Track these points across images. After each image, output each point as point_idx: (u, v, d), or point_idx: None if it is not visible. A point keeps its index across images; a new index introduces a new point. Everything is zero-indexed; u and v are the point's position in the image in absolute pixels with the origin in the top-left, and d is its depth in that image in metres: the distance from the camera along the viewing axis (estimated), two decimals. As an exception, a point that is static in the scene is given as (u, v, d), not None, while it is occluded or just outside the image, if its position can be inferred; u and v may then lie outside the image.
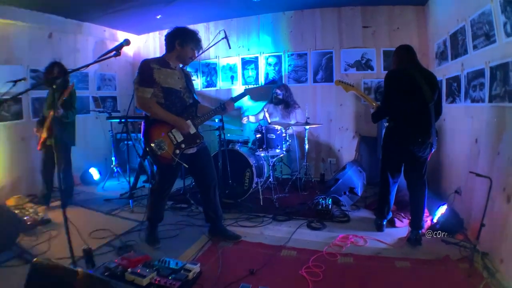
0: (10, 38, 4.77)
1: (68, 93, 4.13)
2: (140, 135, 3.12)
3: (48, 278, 1.74)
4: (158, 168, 3.17)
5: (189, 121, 3.03)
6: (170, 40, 3.02)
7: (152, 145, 2.92)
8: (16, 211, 3.67)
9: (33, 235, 3.40)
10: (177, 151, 2.98)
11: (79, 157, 5.58)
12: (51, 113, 4.01)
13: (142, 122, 3.08)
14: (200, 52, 3.20)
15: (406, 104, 3.06)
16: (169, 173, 3.14)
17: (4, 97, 3.76)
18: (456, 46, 3.67)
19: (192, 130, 3.05)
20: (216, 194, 3.34)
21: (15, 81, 4.05)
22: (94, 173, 5.74)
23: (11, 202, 4.36)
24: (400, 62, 3.26)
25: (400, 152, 3.20)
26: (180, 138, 2.99)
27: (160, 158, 2.95)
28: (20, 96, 4.76)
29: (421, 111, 3.04)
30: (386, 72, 5.17)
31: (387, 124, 3.36)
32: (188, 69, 6.44)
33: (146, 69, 2.88)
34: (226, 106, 3.16)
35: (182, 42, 2.97)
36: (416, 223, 3.18)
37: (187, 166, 3.02)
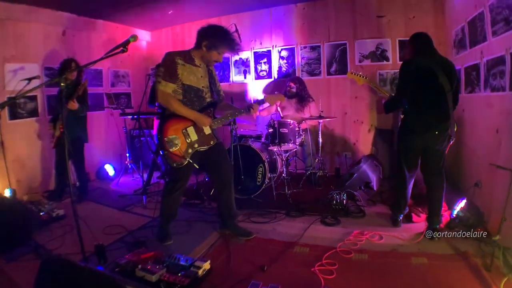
0: (24, 37, 4.83)
1: (83, 89, 4.19)
2: (153, 131, 3.10)
3: (57, 274, 1.74)
4: (170, 166, 3.04)
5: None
6: (199, 38, 2.92)
7: (166, 139, 2.85)
8: (32, 207, 3.73)
9: (48, 231, 3.46)
10: (190, 150, 2.93)
11: (95, 154, 5.68)
12: (68, 105, 4.06)
13: (154, 118, 3.07)
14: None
15: (422, 94, 2.94)
16: (182, 172, 3.03)
17: (17, 95, 3.81)
18: (474, 33, 3.52)
19: (207, 131, 3.01)
20: (231, 192, 3.27)
21: (30, 79, 4.13)
22: (109, 169, 5.80)
23: (27, 198, 4.43)
24: (415, 51, 3.11)
25: (416, 145, 3.10)
26: (194, 137, 2.94)
27: (171, 155, 2.87)
28: (35, 94, 4.86)
29: (438, 102, 2.92)
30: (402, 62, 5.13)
31: (402, 116, 3.25)
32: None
33: (171, 63, 2.81)
34: (250, 109, 3.07)
35: (209, 45, 2.87)
36: (433, 219, 3.09)
37: (198, 167, 2.95)
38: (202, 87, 2.99)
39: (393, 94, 3.30)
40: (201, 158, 3.02)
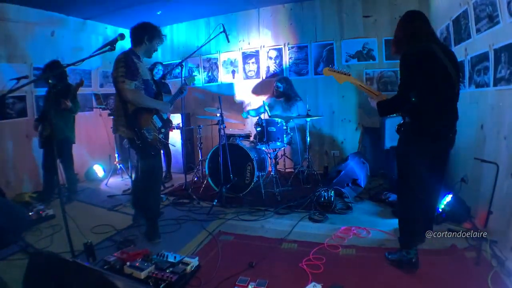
0: (13, 37, 4.78)
1: (79, 88, 4.30)
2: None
3: (45, 269, 1.75)
4: (148, 158, 3.16)
5: None
6: (139, 35, 3.12)
7: (144, 131, 3.02)
8: (22, 207, 3.69)
9: (37, 230, 3.46)
10: (161, 136, 3.22)
11: (84, 154, 5.64)
12: (62, 105, 4.11)
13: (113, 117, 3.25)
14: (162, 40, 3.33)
15: (435, 91, 2.38)
16: (159, 158, 3.33)
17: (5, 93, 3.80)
18: (459, 31, 3.59)
19: (165, 116, 3.32)
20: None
21: (18, 79, 4.11)
22: (98, 170, 5.77)
23: (16, 198, 4.38)
24: (415, 35, 2.45)
25: (430, 154, 2.54)
26: (159, 123, 3.20)
27: (150, 143, 3.08)
28: (24, 94, 4.83)
29: (449, 98, 2.46)
30: (388, 61, 5.20)
31: (406, 120, 2.58)
32: (190, 64, 6.50)
33: (132, 62, 2.96)
34: (182, 89, 3.59)
35: (150, 37, 3.13)
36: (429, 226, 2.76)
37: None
38: (150, 78, 3.26)
39: (383, 94, 2.73)
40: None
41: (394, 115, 3.54)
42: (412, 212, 2.57)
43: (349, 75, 2.91)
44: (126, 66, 2.91)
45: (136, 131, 2.98)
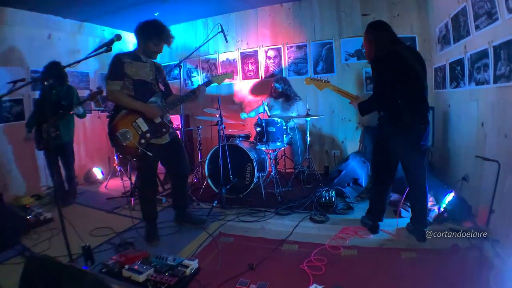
0: (9, 40, 4.77)
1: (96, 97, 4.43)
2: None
3: (41, 273, 1.73)
4: (137, 162, 3.17)
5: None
6: (136, 35, 3.12)
7: (118, 134, 2.96)
8: (19, 210, 3.69)
9: (35, 234, 3.43)
10: (142, 141, 3.02)
11: (83, 157, 5.62)
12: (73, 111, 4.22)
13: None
14: (165, 42, 3.17)
15: (405, 88, 2.74)
16: (144, 162, 3.12)
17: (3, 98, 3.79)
18: (458, 28, 3.56)
19: (157, 120, 3.10)
20: (186, 184, 3.55)
21: (15, 82, 4.09)
22: (97, 172, 5.75)
23: (14, 201, 4.37)
24: (381, 43, 2.86)
25: (400, 144, 2.88)
26: (145, 127, 3.03)
27: (125, 149, 2.99)
28: (21, 98, 4.82)
29: (419, 94, 2.81)
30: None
31: (381, 114, 2.99)
32: (188, 65, 6.48)
33: (117, 64, 2.96)
34: (196, 91, 3.24)
35: (144, 38, 3.07)
36: (420, 219, 2.98)
37: (151, 155, 3.03)
38: (151, 80, 3.16)
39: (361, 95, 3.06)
40: (159, 152, 3.14)
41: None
42: (373, 188, 3.23)
43: (328, 82, 3.35)
44: (110, 67, 2.97)
45: (108, 134, 3.03)
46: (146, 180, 3.23)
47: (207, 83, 3.41)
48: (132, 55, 3.08)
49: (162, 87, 3.34)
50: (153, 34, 3.05)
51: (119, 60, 2.97)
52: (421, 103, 2.84)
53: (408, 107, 2.76)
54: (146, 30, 3.05)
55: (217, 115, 4.27)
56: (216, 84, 3.56)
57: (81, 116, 4.42)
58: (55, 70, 4.07)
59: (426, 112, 2.87)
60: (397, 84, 2.74)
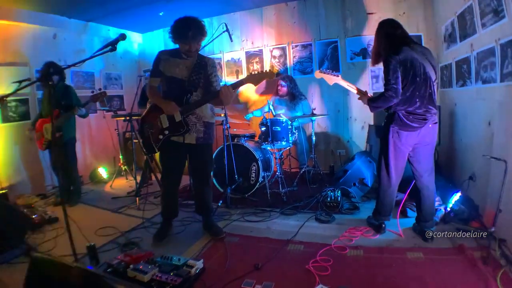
0: (15, 40, 4.81)
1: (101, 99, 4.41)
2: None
3: (46, 273, 1.73)
4: (161, 160, 3.34)
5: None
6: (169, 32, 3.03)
7: (145, 125, 3.13)
8: (25, 210, 3.71)
9: (40, 233, 3.44)
10: (160, 136, 3.07)
11: (88, 156, 5.63)
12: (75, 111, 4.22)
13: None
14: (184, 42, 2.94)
15: (416, 85, 2.74)
16: (170, 164, 3.17)
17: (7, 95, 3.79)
18: (464, 26, 3.53)
19: (177, 118, 2.99)
20: (201, 193, 3.35)
21: (20, 82, 4.12)
22: (102, 172, 5.76)
23: (20, 201, 4.38)
24: (393, 42, 2.84)
25: (410, 142, 2.88)
26: (165, 124, 3.05)
27: (147, 140, 3.13)
28: (27, 97, 4.85)
29: (428, 92, 2.78)
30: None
31: (390, 111, 2.93)
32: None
33: (155, 61, 3.07)
34: (221, 90, 2.87)
35: (173, 39, 2.97)
36: (427, 219, 2.97)
37: (157, 151, 3.12)
38: (185, 77, 3.02)
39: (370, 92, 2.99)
40: (178, 150, 3.12)
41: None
42: (380, 187, 3.12)
43: (339, 76, 3.27)
44: (152, 64, 3.11)
45: (140, 123, 3.19)
46: (163, 176, 3.30)
47: (235, 84, 2.99)
48: (173, 52, 3.06)
49: (204, 87, 3.11)
50: (176, 35, 2.87)
51: (157, 57, 3.07)
52: (427, 103, 2.81)
53: (412, 107, 2.79)
54: (172, 32, 2.91)
55: (222, 115, 4.26)
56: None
57: (83, 116, 4.43)
58: (55, 68, 4.07)
59: (433, 112, 2.84)
60: (408, 82, 2.75)
